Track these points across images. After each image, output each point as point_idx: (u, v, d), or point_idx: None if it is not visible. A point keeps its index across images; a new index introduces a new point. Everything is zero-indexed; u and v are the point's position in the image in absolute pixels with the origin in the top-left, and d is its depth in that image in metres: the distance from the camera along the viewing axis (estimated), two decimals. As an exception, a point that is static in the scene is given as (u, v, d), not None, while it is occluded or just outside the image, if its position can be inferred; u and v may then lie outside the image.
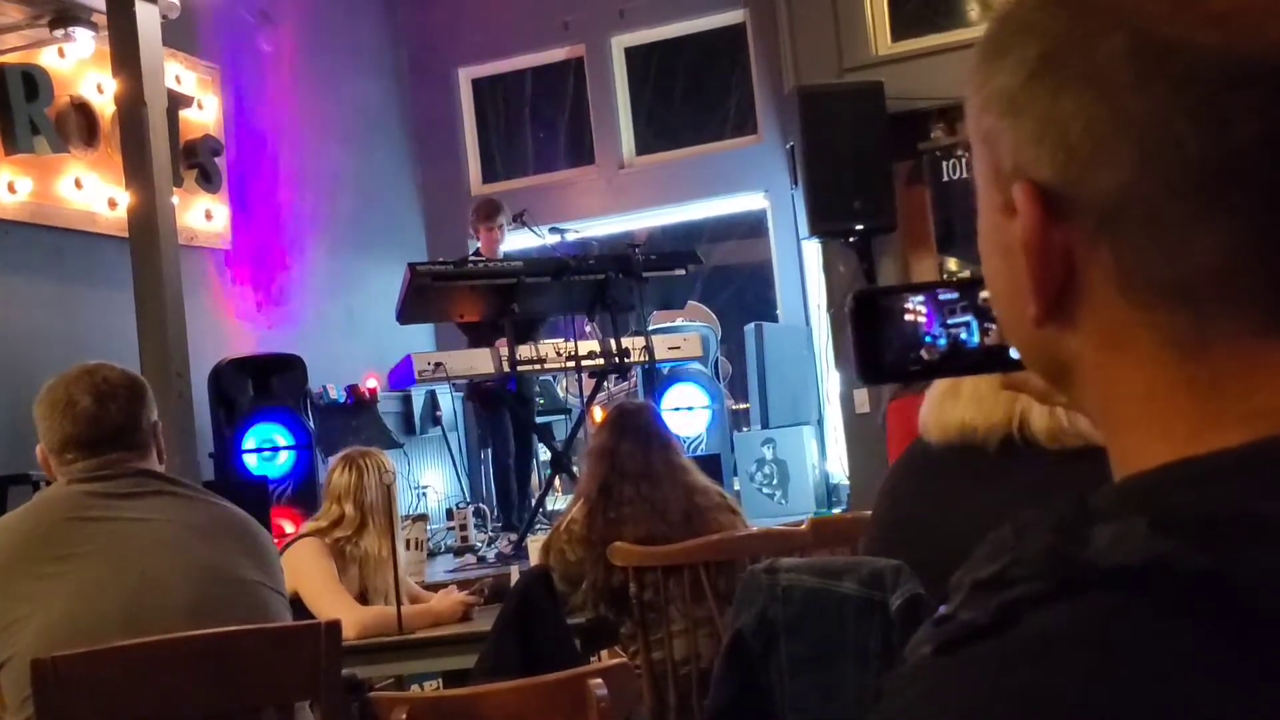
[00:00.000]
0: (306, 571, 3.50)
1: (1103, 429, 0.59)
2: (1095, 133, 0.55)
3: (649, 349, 5.89)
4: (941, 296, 0.79)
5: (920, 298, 0.79)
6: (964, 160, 6.84)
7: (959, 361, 0.80)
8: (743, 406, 7.66)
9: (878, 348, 0.79)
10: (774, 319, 7.85)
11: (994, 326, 0.77)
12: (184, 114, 6.59)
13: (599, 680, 2.24)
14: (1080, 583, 0.50)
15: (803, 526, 3.43)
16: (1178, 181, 0.54)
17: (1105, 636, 0.48)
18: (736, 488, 6.64)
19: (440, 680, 4.07)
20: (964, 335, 0.79)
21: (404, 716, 2.23)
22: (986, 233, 0.63)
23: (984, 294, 0.76)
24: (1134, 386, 0.57)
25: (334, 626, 2.22)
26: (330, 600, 3.43)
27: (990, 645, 0.50)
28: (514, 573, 3.85)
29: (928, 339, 0.79)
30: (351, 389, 6.91)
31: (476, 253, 6.50)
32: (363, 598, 3.63)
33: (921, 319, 0.79)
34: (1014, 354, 0.67)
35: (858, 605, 1.83)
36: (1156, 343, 0.56)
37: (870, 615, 1.82)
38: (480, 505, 6.45)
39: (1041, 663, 0.49)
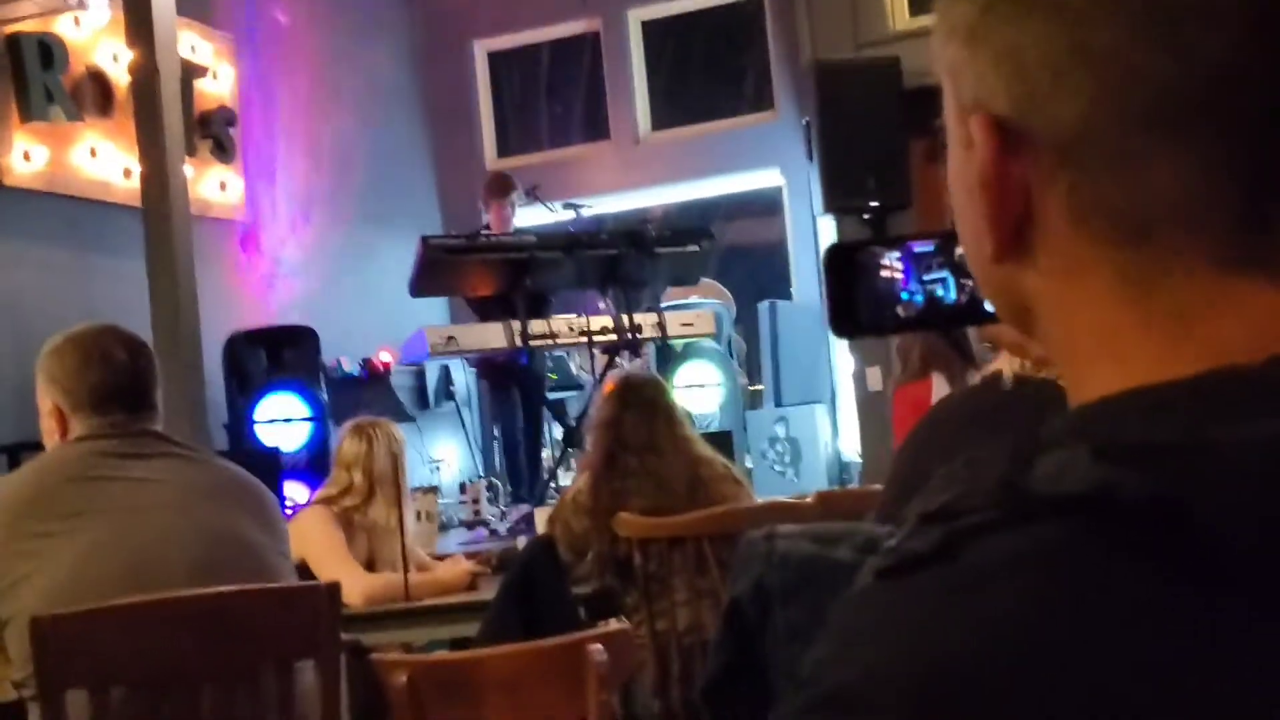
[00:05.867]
0: (314, 539, 3.52)
1: (1062, 364, 0.59)
2: (1053, 63, 0.54)
3: (662, 325, 5.88)
4: (917, 250, 0.78)
5: (896, 254, 0.78)
6: (981, 137, 6.80)
7: (935, 316, 0.79)
8: (757, 387, 7.64)
9: (853, 303, 0.79)
10: (788, 297, 7.82)
11: (970, 282, 0.77)
12: (199, 84, 6.59)
13: (598, 645, 2.25)
14: (1024, 512, 0.49)
15: (809, 499, 3.43)
16: (1136, 112, 0.53)
17: (1047, 564, 0.48)
18: (749, 465, 6.64)
19: (448, 648, 4.08)
20: (940, 291, 0.78)
21: (404, 679, 2.25)
22: (953, 170, 0.62)
23: (960, 250, 0.75)
24: (1091, 321, 0.56)
25: (334, 587, 2.24)
26: (337, 567, 3.45)
27: (933, 573, 0.50)
28: (521, 543, 3.86)
29: (904, 295, 0.78)
30: (365, 362, 6.92)
31: (487, 227, 6.47)
32: (370, 566, 3.64)
33: (898, 275, 0.78)
34: (989, 307, 0.66)
35: (853, 572, 1.83)
36: (1113, 277, 0.55)
37: (865, 582, 1.82)
38: (493, 479, 6.46)
39: (983, 591, 0.48)
